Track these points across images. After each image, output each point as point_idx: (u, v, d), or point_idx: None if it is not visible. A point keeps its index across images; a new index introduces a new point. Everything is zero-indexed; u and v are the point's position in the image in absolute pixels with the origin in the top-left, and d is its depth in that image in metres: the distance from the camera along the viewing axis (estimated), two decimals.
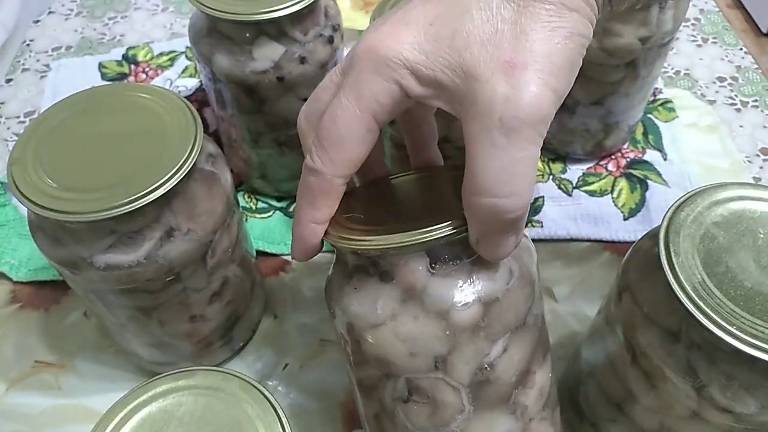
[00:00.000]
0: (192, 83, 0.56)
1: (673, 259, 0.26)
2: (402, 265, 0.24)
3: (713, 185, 0.29)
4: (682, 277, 0.25)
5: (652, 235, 0.29)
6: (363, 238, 0.24)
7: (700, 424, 0.27)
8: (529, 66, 0.21)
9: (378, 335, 0.25)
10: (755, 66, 0.59)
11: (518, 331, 0.26)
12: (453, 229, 0.23)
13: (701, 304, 0.24)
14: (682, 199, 0.28)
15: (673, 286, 0.25)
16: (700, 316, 0.24)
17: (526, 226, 0.47)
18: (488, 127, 0.21)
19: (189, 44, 0.41)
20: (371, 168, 0.29)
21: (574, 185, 0.49)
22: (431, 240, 0.23)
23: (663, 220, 0.27)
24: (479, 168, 0.21)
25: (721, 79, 0.58)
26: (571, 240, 0.46)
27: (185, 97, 0.32)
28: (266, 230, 0.47)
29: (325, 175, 0.24)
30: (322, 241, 0.26)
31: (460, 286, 0.24)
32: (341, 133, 0.24)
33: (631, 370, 0.29)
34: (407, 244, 0.23)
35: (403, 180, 0.30)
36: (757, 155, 0.52)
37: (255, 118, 0.42)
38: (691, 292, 0.25)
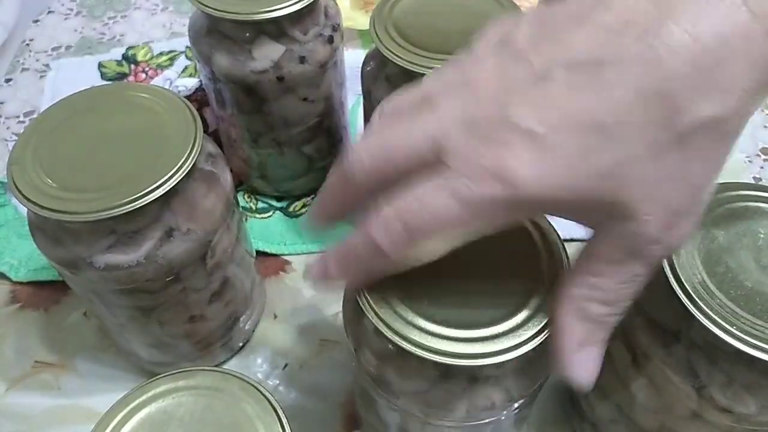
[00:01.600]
0: (192, 83, 0.56)
1: (673, 259, 0.26)
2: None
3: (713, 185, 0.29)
4: (682, 277, 0.25)
5: None
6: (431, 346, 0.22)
7: (700, 424, 0.27)
8: (689, 213, 0.20)
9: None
10: None
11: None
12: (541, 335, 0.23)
13: (701, 304, 0.24)
14: None
15: (673, 286, 0.25)
16: (701, 316, 0.24)
17: None
18: (620, 249, 0.21)
19: (189, 44, 0.41)
20: None
21: None
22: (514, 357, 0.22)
23: None
24: (591, 281, 0.21)
25: None
26: (571, 240, 0.46)
27: (185, 97, 0.32)
28: (266, 230, 0.47)
29: (387, 257, 0.21)
30: None
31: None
32: (431, 227, 0.20)
33: (631, 370, 0.29)
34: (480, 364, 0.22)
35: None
36: (758, 155, 0.52)
37: (255, 118, 0.42)
38: (691, 292, 0.25)
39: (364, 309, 0.24)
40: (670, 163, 0.19)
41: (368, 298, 0.23)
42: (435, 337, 0.23)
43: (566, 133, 0.19)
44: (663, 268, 0.26)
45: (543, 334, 0.23)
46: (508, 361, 0.22)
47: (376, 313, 0.23)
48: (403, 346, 0.22)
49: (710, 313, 0.24)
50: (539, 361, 0.25)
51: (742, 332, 0.24)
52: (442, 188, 0.20)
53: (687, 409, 0.27)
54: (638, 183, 0.19)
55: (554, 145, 0.19)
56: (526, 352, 0.22)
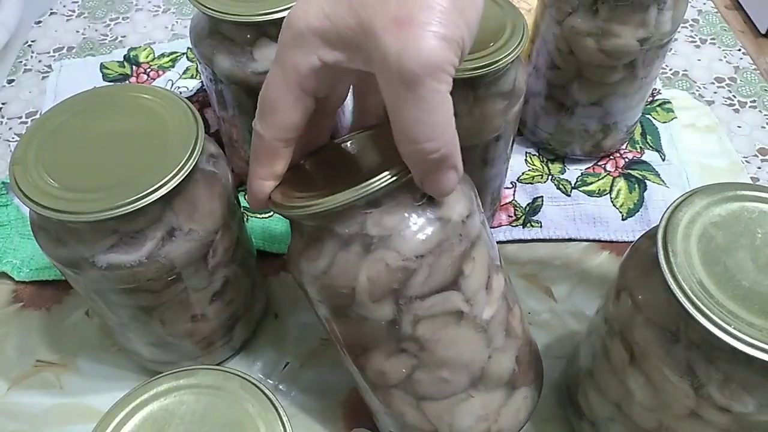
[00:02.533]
0: (193, 84, 0.56)
1: (671, 259, 0.26)
2: (356, 218, 0.26)
3: (711, 185, 0.29)
4: (680, 277, 0.25)
5: (651, 235, 0.30)
6: (309, 202, 0.26)
7: (698, 423, 0.27)
8: (413, 19, 0.22)
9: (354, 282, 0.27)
10: (753, 67, 0.59)
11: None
12: (392, 177, 0.25)
13: (699, 303, 0.24)
14: (680, 200, 0.28)
15: (671, 286, 0.25)
16: (699, 315, 0.24)
17: (525, 225, 0.47)
18: (391, 82, 0.23)
19: (190, 45, 0.41)
20: (313, 144, 0.31)
21: (572, 185, 0.49)
22: (371, 192, 0.25)
23: (661, 220, 0.27)
24: (396, 120, 0.23)
25: (720, 80, 0.58)
26: (570, 240, 0.46)
27: (186, 98, 0.33)
28: (267, 230, 0.47)
29: (264, 137, 0.27)
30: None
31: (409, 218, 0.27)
32: (272, 101, 0.26)
33: (629, 369, 0.29)
34: (352, 199, 0.25)
35: (350, 141, 0.31)
36: (755, 155, 0.52)
37: None
38: (689, 292, 0.25)
39: (272, 207, 0.28)
40: None
41: (273, 198, 0.28)
42: (316, 198, 0.26)
43: None
44: (661, 268, 0.26)
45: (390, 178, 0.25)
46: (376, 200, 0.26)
47: (275, 203, 0.28)
48: (286, 213, 0.27)
49: (708, 312, 0.24)
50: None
51: (739, 331, 0.24)
52: (271, 68, 0.26)
53: (685, 408, 0.27)
54: (372, 3, 0.22)
55: None
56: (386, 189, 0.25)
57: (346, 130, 0.49)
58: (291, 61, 0.25)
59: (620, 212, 0.48)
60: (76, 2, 0.67)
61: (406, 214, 0.26)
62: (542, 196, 0.49)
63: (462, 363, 0.29)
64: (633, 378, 0.29)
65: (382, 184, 0.25)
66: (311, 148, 0.31)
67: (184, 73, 0.58)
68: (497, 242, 0.41)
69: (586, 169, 0.51)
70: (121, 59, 0.60)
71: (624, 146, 0.52)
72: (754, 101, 0.56)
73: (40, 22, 0.65)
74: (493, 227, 0.47)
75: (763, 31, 0.64)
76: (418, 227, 0.26)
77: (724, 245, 0.27)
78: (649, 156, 0.51)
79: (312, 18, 0.24)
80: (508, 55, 0.34)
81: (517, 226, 0.47)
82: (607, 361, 0.31)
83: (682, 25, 0.56)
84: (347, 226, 0.26)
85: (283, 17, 0.36)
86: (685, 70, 0.59)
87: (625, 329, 0.28)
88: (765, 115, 0.55)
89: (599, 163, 0.51)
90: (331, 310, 0.29)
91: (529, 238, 0.46)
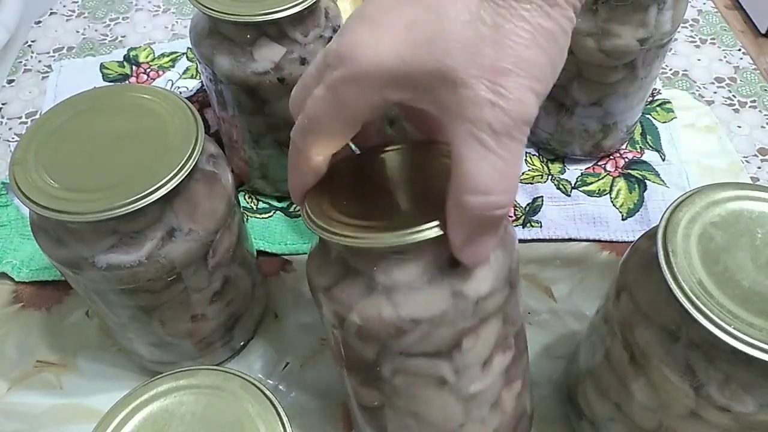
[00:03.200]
0: (193, 84, 0.57)
1: (671, 259, 0.26)
2: (387, 263, 0.25)
3: (711, 185, 0.29)
4: (680, 277, 0.25)
5: (650, 235, 0.30)
6: (348, 234, 0.25)
7: (698, 423, 0.27)
8: (512, 72, 0.21)
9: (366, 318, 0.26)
10: (753, 66, 0.59)
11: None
12: (429, 231, 0.24)
13: (699, 303, 0.24)
14: (680, 199, 0.28)
15: (671, 286, 0.25)
16: (698, 315, 0.24)
17: (525, 225, 0.47)
18: (477, 130, 0.22)
19: (190, 45, 0.41)
20: (365, 138, 0.30)
21: (572, 185, 0.49)
22: (412, 243, 0.24)
23: (661, 220, 0.27)
24: (471, 167, 0.22)
25: (720, 80, 0.58)
26: (570, 240, 0.46)
27: (186, 98, 0.33)
28: (267, 230, 0.47)
29: (305, 153, 0.26)
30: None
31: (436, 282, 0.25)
32: (320, 124, 0.24)
33: (629, 369, 0.29)
34: (389, 245, 0.24)
35: (397, 152, 0.30)
36: (755, 155, 0.52)
37: (256, 119, 0.42)
38: (689, 292, 0.25)
39: (303, 216, 0.27)
40: (488, 28, 0.21)
41: (307, 208, 0.27)
42: (342, 225, 0.25)
43: (396, 9, 0.22)
44: (661, 268, 0.26)
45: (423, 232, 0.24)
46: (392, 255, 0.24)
47: (308, 216, 0.26)
48: (310, 227, 0.26)
49: (708, 312, 0.24)
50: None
51: (739, 332, 0.24)
52: (321, 84, 0.24)
53: (685, 408, 0.27)
54: (460, 48, 0.21)
55: (386, 21, 0.22)
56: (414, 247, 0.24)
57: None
58: (350, 95, 0.23)
59: (620, 212, 0.48)
60: (76, 2, 0.67)
61: (419, 274, 0.25)
62: (542, 196, 0.49)
63: (431, 422, 0.28)
64: (633, 378, 0.29)
65: (416, 239, 0.23)
66: (362, 146, 0.30)
67: (184, 73, 0.58)
68: None
69: (586, 169, 0.51)
70: (121, 59, 0.60)
71: (624, 146, 0.52)
72: (754, 101, 0.56)
73: (39, 22, 0.65)
74: None
75: (763, 31, 0.64)
76: (425, 291, 0.25)
77: (724, 245, 0.27)
78: (649, 156, 0.51)
79: (384, 58, 0.22)
80: None
81: (517, 226, 0.47)
82: (607, 361, 0.31)
83: (682, 25, 0.56)
84: (358, 260, 0.26)
85: (283, 17, 0.37)
86: (685, 70, 0.59)
87: (625, 329, 0.28)
88: (765, 115, 0.55)
89: (599, 163, 0.51)
90: (327, 320, 0.28)
91: (529, 238, 0.46)
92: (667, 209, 0.28)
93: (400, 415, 0.29)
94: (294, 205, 0.49)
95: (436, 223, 0.24)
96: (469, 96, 0.21)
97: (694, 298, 0.25)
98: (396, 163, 0.29)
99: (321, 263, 0.28)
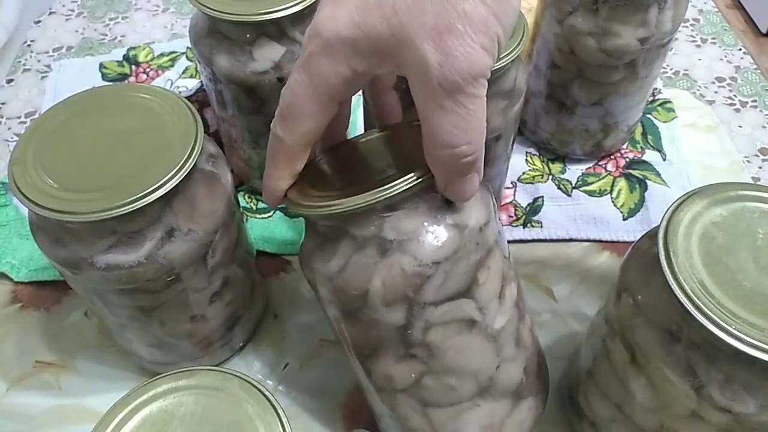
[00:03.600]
0: (192, 84, 0.56)
1: (672, 259, 0.26)
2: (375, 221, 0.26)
3: (712, 185, 0.29)
4: (681, 277, 0.25)
5: (652, 235, 0.29)
6: (327, 203, 0.26)
7: (699, 423, 0.27)
8: (453, 28, 0.22)
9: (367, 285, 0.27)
10: (754, 66, 0.59)
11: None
12: (415, 180, 0.25)
13: (700, 304, 0.24)
14: (681, 199, 0.28)
15: (672, 286, 0.25)
16: (699, 316, 0.24)
17: (525, 225, 0.47)
18: (431, 91, 0.23)
19: (189, 45, 0.41)
20: (333, 136, 0.31)
21: (573, 185, 0.49)
22: (391, 195, 0.25)
23: (662, 220, 0.27)
24: (434, 126, 0.23)
25: (720, 80, 0.58)
26: (571, 240, 0.46)
27: (186, 98, 0.33)
28: (266, 230, 0.47)
29: (285, 142, 0.26)
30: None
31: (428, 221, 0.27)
32: (296, 108, 0.26)
33: (630, 369, 0.29)
34: (371, 202, 0.25)
35: (367, 140, 0.31)
36: (756, 155, 0.52)
37: (255, 119, 0.42)
38: (690, 292, 0.25)
39: (288, 204, 0.28)
40: None
41: (289, 195, 0.28)
42: (335, 197, 0.26)
43: None
44: (662, 268, 0.26)
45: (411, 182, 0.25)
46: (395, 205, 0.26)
47: (291, 201, 0.27)
48: (302, 211, 0.27)
49: (709, 313, 0.24)
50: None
51: (740, 332, 0.24)
52: (295, 68, 0.25)
53: (686, 409, 0.27)
54: (407, 10, 0.22)
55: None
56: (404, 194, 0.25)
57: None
58: (319, 70, 0.24)
59: (621, 212, 0.48)
60: (75, 2, 0.67)
61: (424, 220, 0.26)
62: (543, 196, 0.49)
63: (471, 371, 0.29)
64: (634, 378, 0.29)
65: (404, 187, 0.25)
66: (329, 144, 0.31)
67: (183, 72, 0.58)
68: None
69: (586, 168, 0.51)
70: (121, 59, 0.60)
71: (625, 146, 0.52)
72: (755, 101, 0.56)
73: (39, 21, 0.65)
74: None
75: (763, 31, 0.64)
76: (435, 233, 0.26)
77: (725, 245, 0.27)
78: (650, 156, 0.51)
79: (342, 27, 0.23)
80: (509, 54, 0.34)
81: (517, 226, 0.47)
82: (608, 362, 0.30)
83: (682, 24, 0.56)
84: (364, 228, 0.26)
85: (282, 17, 0.37)
86: (686, 70, 0.59)
87: (626, 330, 0.28)
88: (766, 114, 0.55)
89: (600, 163, 0.51)
90: (342, 312, 0.29)
91: (529, 238, 0.46)
92: (668, 209, 0.28)
93: (440, 379, 0.29)
94: None
95: (420, 172, 0.25)
96: (419, 58, 0.22)
97: (695, 299, 0.25)
98: (372, 148, 0.30)
99: (319, 256, 0.28)
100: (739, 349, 0.23)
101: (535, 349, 0.32)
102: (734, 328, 0.24)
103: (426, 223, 0.26)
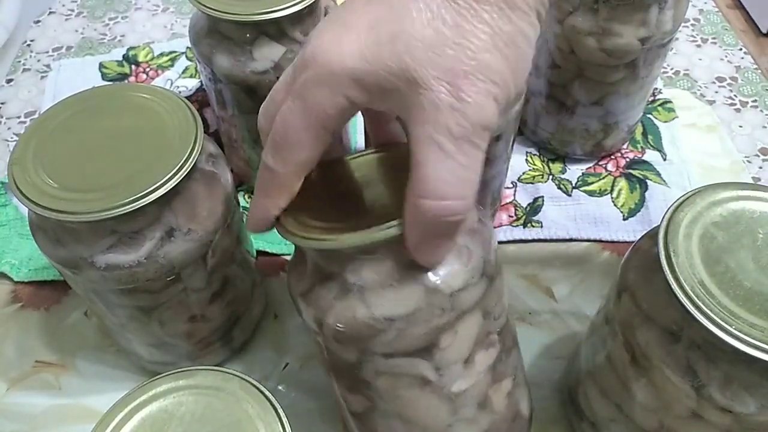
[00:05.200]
0: (192, 83, 0.56)
1: (673, 259, 0.26)
2: (358, 262, 0.25)
3: (713, 185, 0.29)
4: (681, 277, 0.25)
5: (652, 235, 0.29)
6: (315, 236, 0.25)
7: (699, 423, 0.27)
8: (470, 75, 0.21)
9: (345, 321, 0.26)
10: (755, 66, 0.59)
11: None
12: (390, 230, 0.24)
13: (700, 304, 0.24)
14: (681, 199, 0.28)
15: (672, 286, 0.25)
16: (700, 316, 0.24)
17: (526, 225, 0.47)
18: (436, 133, 0.21)
19: (189, 44, 0.41)
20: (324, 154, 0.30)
21: (573, 185, 0.49)
22: (376, 241, 0.24)
23: (662, 220, 0.27)
24: (429, 171, 0.22)
25: (721, 80, 0.58)
26: (571, 240, 0.46)
27: (186, 98, 0.33)
28: None
29: (278, 173, 0.25)
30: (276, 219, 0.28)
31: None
32: (290, 138, 0.24)
33: (630, 369, 0.29)
34: (353, 244, 0.24)
35: (363, 159, 0.30)
36: (757, 155, 0.52)
37: (255, 119, 0.41)
38: (690, 292, 0.25)
39: (278, 230, 0.27)
40: (448, 28, 0.21)
41: (281, 220, 0.27)
42: (311, 228, 0.25)
43: (362, 10, 0.22)
44: (662, 268, 0.26)
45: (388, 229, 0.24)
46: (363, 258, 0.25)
47: (283, 226, 0.26)
48: (282, 234, 0.26)
49: (709, 312, 0.24)
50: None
51: (741, 332, 0.24)
52: (289, 95, 0.24)
53: (686, 409, 0.27)
54: (420, 48, 0.21)
55: (351, 22, 0.22)
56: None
57: (345, 130, 0.49)
58: (315, 99, 0.23)
59: (621, 212, 0.48)
60: (75, 1, 0.67)
61: (389, 271, 0.25)
62: (543, 196, 0.49)
63: (419, 424, 0.28)
64: (634, 378, 0.29)
65: (375, 238, 0.24)
66: (321, 161, 0.30)
67: (183, 72, 0.58)
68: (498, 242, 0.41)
69: (587, 168, 0.51)
70: (120, 59, 0.60)
71: (625, 146, 0.52)
72: (756, 101, 0.56)
73: (38, 21, 0.65)
74: (494, 227, 0.47)
75: (764, 31, 0.64)
76: (397, 289, 0.25)
77: (725, 245, 0.27)
78: (650, 156, 0.51)
79: (347, 58, 0.22)
80: None
81: (517, 226, 0.47)
82: (608, 362, 0.30)
83: (683, 24, 0.56)
84: (330, 264, 0.26)
85: (282, 16, 0.36)
86: (687, 70, 0.59)
87: (627, 330, 0.28)
88: (766, 114, 0.55)
89: (600, 163, 0.51)
90: (308, 327, 0.28)
91: (529, 238, 0.46)
92: (669, 209, 0.28)
93: (387, 420, 0.28)
94: None
95: (397, 222, 0.24)
96: (430, 98, 0.21)
97: (695, 299, 0.25)
98: (365, 168, 0.29)
99: (299, 271, 0.28)
100: (739, 348, 0.23)
101: (509, 414, 0.30)
102: (734, 328, 0.24)
103: (390, 276, 0.25)
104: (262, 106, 0.26)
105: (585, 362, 0.34)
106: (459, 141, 0.21)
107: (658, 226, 0.27)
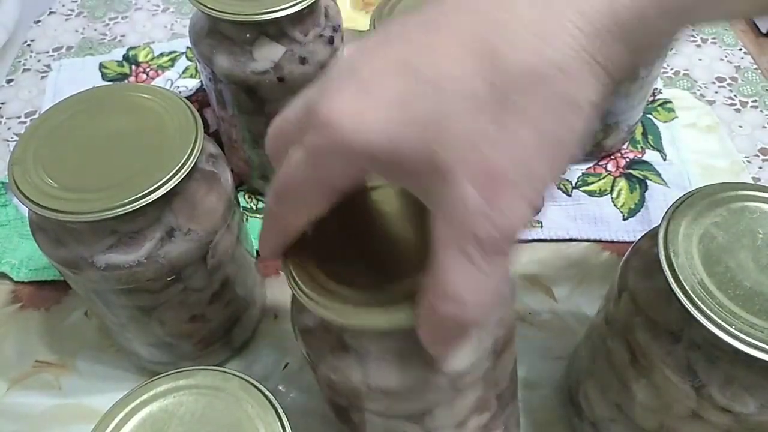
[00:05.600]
0: (192, 83, 0.56)
1: (673, 260, 0.26)
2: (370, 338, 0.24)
3: (712, 185, 0.29)
4: (681, 278, 0.25)
5: (652, 236, 0.29)
6: (318, 299, 0.23)
7: (699, 423, 0.27)
8: (510, 181, 0.19)
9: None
10: (755, 66, 0.59)
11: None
12: (409, 320, 0.22)
13: (701, 304, 0.24)
14: (681, 200, 0.28)
15: (672, 287, 0.25)
16: (700, 316, 0.24)
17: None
18: (462, 239, 0.19)
19: (189, 45, 0.41)
20: None
21: (573, 185, 0.49)
22: (383, 329, 0.22)
23: (662, 220, 0.27)
24: (448, 275, 0.20)
25: (721, 80, 0.58)
26: (571, 240, 0.46)
27: (186, 98, 0.33)
28: None
29: (279, 219, 0.24)
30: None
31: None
32: (295, 194, 0.22)
33: (630, 369, 0.29)
34: (359, 325, 0.23)
35: (379, 194, 0.27)
36: (757, 155, 0.52)
37: (255, 119, 0.42)
38: (690, 293, 0.25)
39: (286, 274, 0.25)
40: (489, 122, 0.18)
41: (292, 271, 0.25)
42: (322, 291, 0.23)
43: (389, 77, 0.19)
44: (662, 269, 0.26)
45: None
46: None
47: (289, 277, 0.24)
48: (303, 300, 0.24)
49: (709, 313, 0.24)
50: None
51: (741, 332, 0.24)
52: (300, 147, 0.21)
53: (686, 409, 0.27)
54: (456, 139, 0.18)
55: (375, 88, 0.19)
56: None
57: None
58: (329, 165, 0.20)
59: (621, 212, 0.48)
60: (75, 2, 0.67)
61: (392, 347, 0.24)
62: (543, 196, 0.48)
63: None
64: (634, 379, 0.29)
65: (388, 326, 0.22)
66: None
67: (183, 72, 0.58)
68: None
69: (586, 168, 0.50)
70: (120, 59, 0.60)
71: (625, 146, 0.52)
72: (756, 101, 0.56)
73: (39, 21, 0.65)
74: None
75: (764, 31, 0.64)
76: (397, 365, 0.24)
77: (725, 245, 0.27)
78: (650, 156, 0.51)
79: (369, 134, 0.19)
80: None
81: None
82: (608, 362, 0.30)
83: None
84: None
85: (282, 16, 0.36)
86: (686, 70, 0.59)
87: (626, 330, 0.28)
88: (766, 114, 0.55)
89: (600, 163, 0.51)
90: (304, 356, 0.28)
91: (529, 238, 0.46)
92: (669, 210, 0.28)
93: None
94: None
95: (407, 312, 0.22)
96: (460, 198, 0.19)
97: (695, 299, 0.25)
98: (383, 199, 0.27)
99: (298, 304, 0.27)
100: (740, 349, 0.23)
101: None
102: (735, 329, 0.24)
103: (391, 351, 0.24)
104: (269, 130, 0.24)
105: (585, 362, 0.34)
106: (485, 250, 0.19)
107: (658, 227, 0.27)
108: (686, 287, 0.25)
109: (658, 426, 0.29)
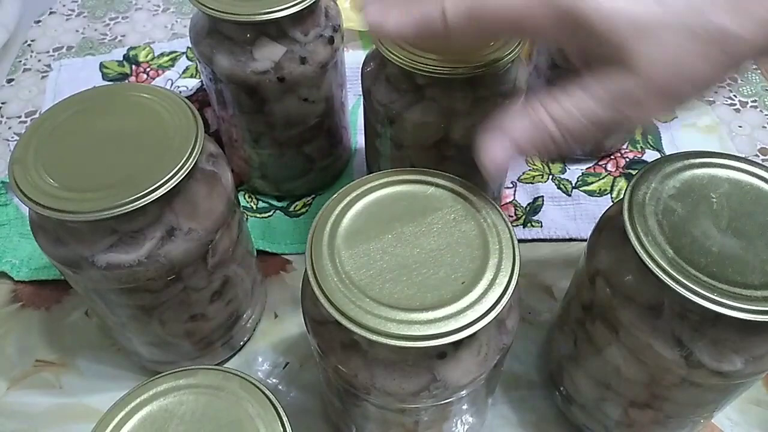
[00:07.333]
0: (193, 83, 0.56)
1: (643, 239, 0.26)
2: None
3: (659, 159, 0.29)
4: (655, 255, 0.26)
5: (612, 217, 0.30)
6: (342, 309, 0.24)
7: (690, 388, 0.28)
8: (674, 95, 0.23)
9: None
10: (754, 66, 0.59)
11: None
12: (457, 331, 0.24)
13: (679, 277, 0.25)
14: (635, 178, 0.29)
15: (648, 266, 0.25)
16: (681, 289, 0.25)
17: (525, 225, 0.47)
18: (610, 101, 0.23)
19: (190, 44, 0.41)
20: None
21: (573, 185, 0.49)
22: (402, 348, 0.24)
23: (623, 201, 0.28)
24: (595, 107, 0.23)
25: None
26: (571, 240, 0.46)
27: (186, 98, 0.33)
28: (267, 230, 0.47)
29: (444, 14, 0.24)
30: None
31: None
32: (491, 6, 0.23)
33: (616, 350, 0.29)
34: (379, 341, 0.24)
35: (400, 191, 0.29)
36: (756, 155, 0.52)
37: (256, 119, 0.42)
38: (667, 268, 0.25)
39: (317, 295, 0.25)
40: (681, 45, 0.21)
41: (321, 286, 0.25)
42: (388, 321, 0.24)
43: None
44: (635, 250, 0.26)
45: (484, 319, 0.24)
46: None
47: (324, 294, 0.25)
48: (354, 329, 0.24)
49: (688, 283, 0.25)
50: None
51: (721, 296, 0.24)
52: None
53: (677, 377, 0.27)
54: (652, 40, 0.21)
55: None
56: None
57: (346, 130, 0.49)
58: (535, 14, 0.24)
59: None
60: (76, 2, 0.67)
61: (404, 358, 0.26)
62: (543, 196, 0.49)
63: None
64: (621, 357, 0.29)
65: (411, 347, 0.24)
66: None
67: (183, 72, 0.58)
68: None
69: (586, 168, 0.51)
70: (121, 59, 0.60)
71: (625, 146, 0.52)
72: (755, 101, 0.56)
73: (39, 21, 0.65)
74: None
75: None
76: (405, 373, 0.26)
77: (686, 216, 0.27)
78: (650, 156, 0.51)
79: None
80: (509, 54, 0.34)
81: (517, 225, 0.47)
82: (591, 345, 0.31)
83: None
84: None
85: (282, 17, 0.36)
86: None
87: (607, 312, 0.29)
88: (766, 114, 0.55)
89: (600, 163, 0.51)
90: (311, 344, 0.30)
91: (529, 237, 0.46)
92: (625, 193, 0.28)
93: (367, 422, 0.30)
94: (293, 205, 0.49)
95: (427, 340, 0.23)
96: (631, 83, 0.22)
97: (672, 272, 0.25)
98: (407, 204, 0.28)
99: (315, 298, 0.27)
100: (722, 313, 0.24)
101: None
102: (716, 294, 0.24)
103: (404, 362, 0.26)
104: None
105: (564, 349, 0.34)
106: (613, 105, 0.23)
107: (621, 209, 0.28)
108: (662, 264, 0.25)
109: (649, 396, 0.29)
